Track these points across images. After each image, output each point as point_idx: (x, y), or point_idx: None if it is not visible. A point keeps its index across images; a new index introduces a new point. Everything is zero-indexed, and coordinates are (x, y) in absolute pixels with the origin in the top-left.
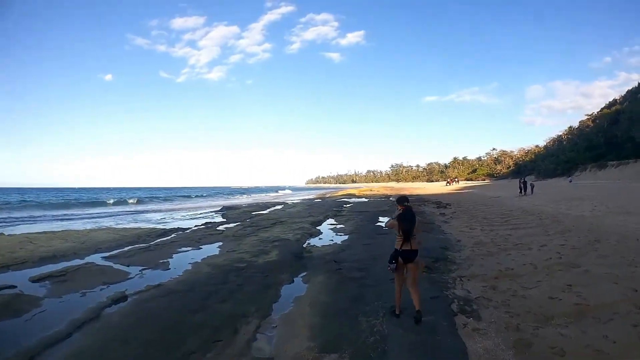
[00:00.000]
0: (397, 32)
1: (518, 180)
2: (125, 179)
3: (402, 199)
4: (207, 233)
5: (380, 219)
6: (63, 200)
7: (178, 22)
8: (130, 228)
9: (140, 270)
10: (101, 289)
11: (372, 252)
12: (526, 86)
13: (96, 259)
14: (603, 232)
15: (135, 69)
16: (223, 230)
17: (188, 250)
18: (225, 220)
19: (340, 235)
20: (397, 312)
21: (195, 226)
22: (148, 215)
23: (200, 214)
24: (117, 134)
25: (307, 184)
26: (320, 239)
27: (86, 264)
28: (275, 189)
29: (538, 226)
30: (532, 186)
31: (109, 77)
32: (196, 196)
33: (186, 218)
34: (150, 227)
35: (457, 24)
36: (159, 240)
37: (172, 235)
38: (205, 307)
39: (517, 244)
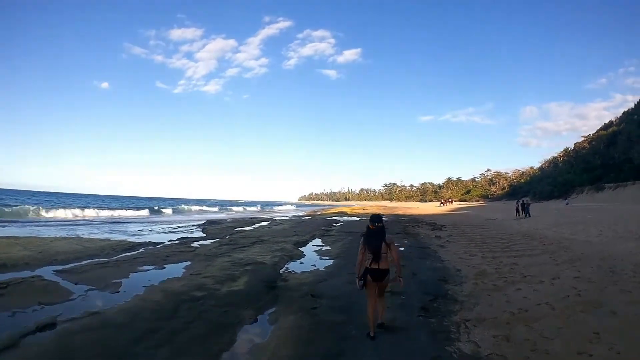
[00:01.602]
0: (393, 50)
1: (515, 202)
2: (122, 188)
3: (373, 219)
4: (177, 250)
5: None
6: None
7: (176, 33)
8: (97, 239)
9: (85, 291)
10: (34, 310)
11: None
12: (520, 107)
13: (47, 272)
14: (616, 261)
15: (132, 78)
16: (196, 248)
17: (149, 270)
18: (204, 235)
19: (325, 259)
20: (371, 335)
21: (169, 241)
22: (127, 226)
23: (182, 227)
24: (113, 142)
25: (300, 200)
26: (301, 263)
27: (33, 277)
28: (274, 204)
29: (544, 253)
30: (529, 207)
31: (105, 85)
32: (188, 207)
33: (165, 231)
34: (119, 240)
35: (453, 45)
36: (123, 255)
37: (140, 250)
38: (133, 354)
39: (526, 275)
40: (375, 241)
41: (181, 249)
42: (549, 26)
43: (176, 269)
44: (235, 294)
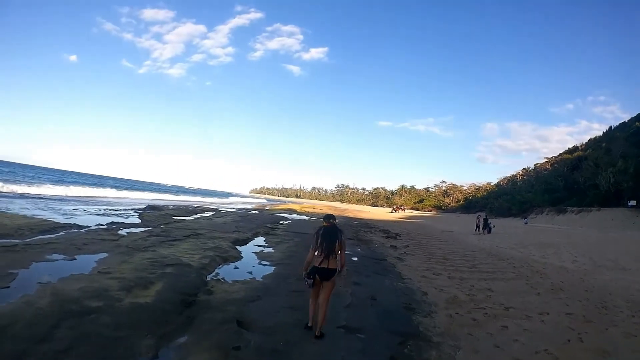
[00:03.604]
0: (359, 53)
1: (476, 216)
2: (81, 164)
3: (329, 217)
4: (99, 237)
5: None
6: None
7: (148, 13)
8: (20, 216)
9: None
10: None
11: (301, 311)
12: (481, 123)
13: None
14: (605, 295)
15: (100, 53)
16: (121, 237)
17: (56, 260)
18: (138, 222)
19: (265, 265)
20: (309, 324)
21: (97, 225)
22: (65, 204)
23: (121, 209)
24: (76, 117)
25: (251, 192)
26: (235, 267)
27: None
28: (227, 195)
29: (518, 278)
30: (489, 224)
31: (73, 57)
32: (138, 190)
33: (100, 213)
34: (43, 219)
35: (418, 55)
36: (38, 237)
37: (60, 233)
38: None
39: (507, 307)
40: (330, 239)
41: (104, 236)
42: (521, 46)
43: (87, 262)
44: (140, 309)
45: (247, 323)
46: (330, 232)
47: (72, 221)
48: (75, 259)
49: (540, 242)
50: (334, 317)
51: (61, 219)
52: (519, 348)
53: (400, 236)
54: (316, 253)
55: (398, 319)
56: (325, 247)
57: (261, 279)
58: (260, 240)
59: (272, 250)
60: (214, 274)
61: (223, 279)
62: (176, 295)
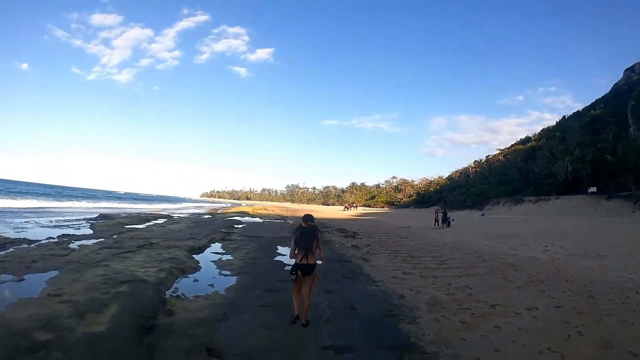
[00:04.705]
0: (305, 53)
1: (435, 211)
2: (33, 174)
3: (307, 218)
4: (50, 252)
5: (280, 249)
6: None
7: (97, 18)
8: None
9: None
10: None
11: (277, 329)
12: (430, 117)
13: None
14: (586, 283)
15: (51, 61)
16: (72, 250)
17: (4, 282)
18: (90, 232)
19: (226, 274)
20: (296, 315)
21: (48, 238)
22: (17, 216)
23: (73, 220)
24: (27, 126)
25: (202, 196)
26: (195, 280)
27: None
28: (179, 200)
29: (492, 272)
30: (448, 218)
31: (25, 66)
32: (90, 199)
33: (51, 225)
34: None
35: (362, 53)
36: None
37: (9, 250)
38: None
39: (493, 304)
40: (309, 238)
41: (55, 250)
42: (467, 39)
43: (36, 283)
44: (94, 340)
45: (218, 350)
46: (309, 232)
47: (22, 235)
48: (23, 279)
49: (504, 234)
50: (316, 335)
51: (12, 234)
52: (520, 349)
53: (358, 235)
54: (296, 251)
55: (384, 330)
56: (303, 245)
57: (224, 292)
58: (216, 246)
59: (231, 257)
60: (172, 289)
61: (183, 294)
62: (133, 319)
